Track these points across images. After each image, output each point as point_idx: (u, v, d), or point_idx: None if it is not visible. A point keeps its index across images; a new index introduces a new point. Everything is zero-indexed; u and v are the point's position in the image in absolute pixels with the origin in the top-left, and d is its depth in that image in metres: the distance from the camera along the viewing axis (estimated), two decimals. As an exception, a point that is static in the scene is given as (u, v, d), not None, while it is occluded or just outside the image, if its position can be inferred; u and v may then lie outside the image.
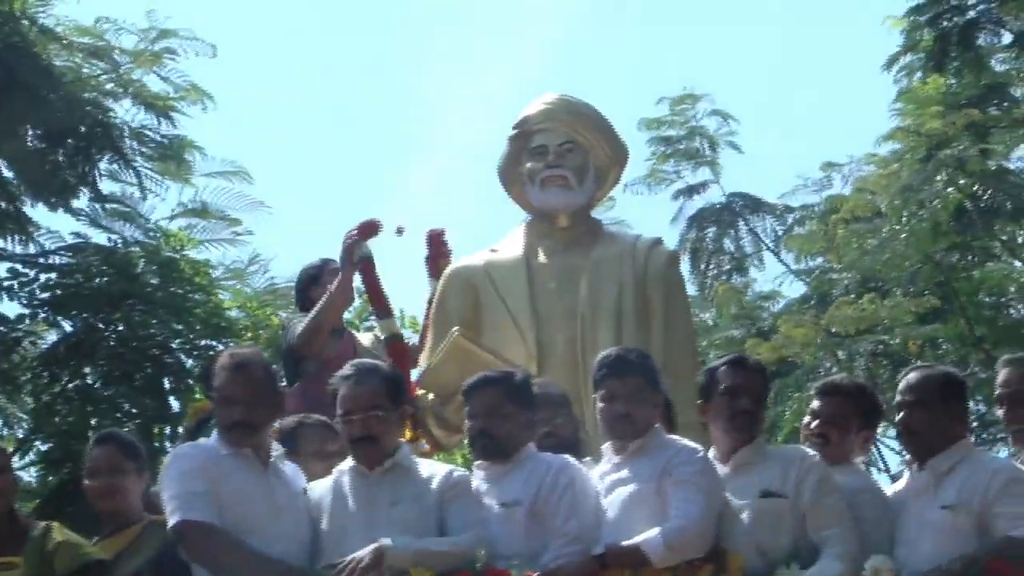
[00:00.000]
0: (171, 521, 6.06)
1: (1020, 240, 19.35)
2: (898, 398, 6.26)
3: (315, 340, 8.45)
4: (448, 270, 8.51)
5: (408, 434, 7.45)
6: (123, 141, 16.48)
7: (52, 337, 16.43)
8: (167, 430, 15.37)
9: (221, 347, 15.54)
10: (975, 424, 17.52)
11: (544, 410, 6.68)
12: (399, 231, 8.60)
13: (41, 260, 16.04)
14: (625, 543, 6.00)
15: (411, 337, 10.54)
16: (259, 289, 19.33)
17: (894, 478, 18.27)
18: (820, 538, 6.01)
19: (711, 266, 24.63)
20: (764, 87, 39.02)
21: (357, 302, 9.00)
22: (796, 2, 41.78)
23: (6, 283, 15.80)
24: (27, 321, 16.13)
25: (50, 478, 15.84)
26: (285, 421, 6.83)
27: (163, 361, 15.72)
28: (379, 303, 8.79)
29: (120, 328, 15.68)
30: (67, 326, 16.04)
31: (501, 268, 8.34)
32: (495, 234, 8.74)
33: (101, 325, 15.71)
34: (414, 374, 8.14)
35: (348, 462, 6.37)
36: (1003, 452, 15.07)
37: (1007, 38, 19.03)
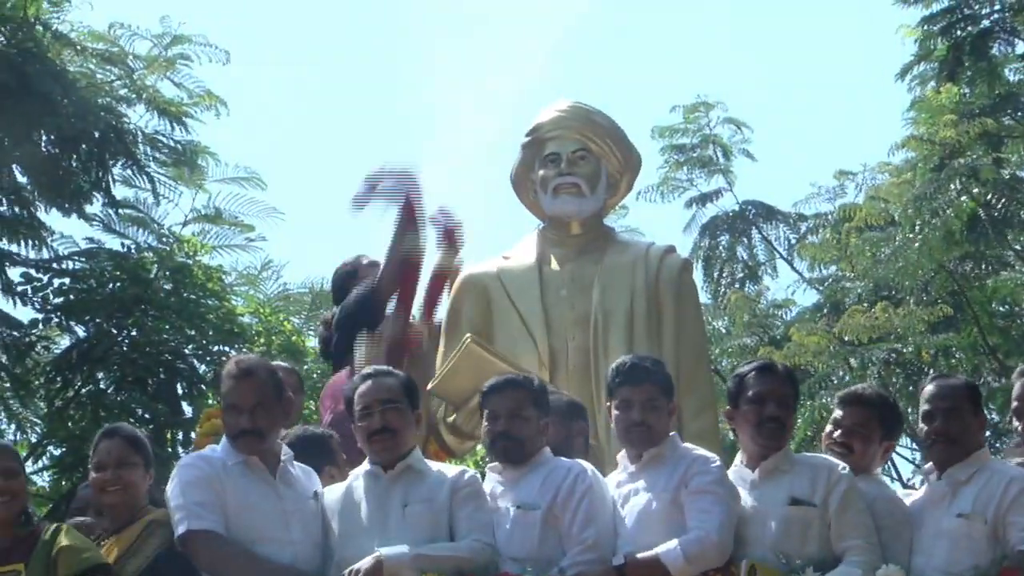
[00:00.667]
0: (178, 531, 6.10)
1: (1033, 249, 19.33)
2: (928, 406, 6.24)
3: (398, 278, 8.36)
4: (460, 277, 8.50)
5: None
6: (137, 147, 16.47)
7: (65, 342, 16.44)
8: (180, 435, 15.37)
9: (233, 353, 15.57)
10: (988, 433, 17.50)
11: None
12: None
13: (54, 265, 16.04)
14: (644, 554, 6.01)
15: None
16: (271, 295, 19.37)
17: (905, 485, 18.28)
18: (842, 548, 6.01)
19: (724, 274, 24.58)
20: (778, 95, 38.98)
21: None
22: (809, 11, 41.76)
23: (19, 288, 15.79)
24: (40, 326, 16.13)
25: (63, 483, 15.85)
26: None
27: (176, 367, 15.72)
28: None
29: (133, 333, 15.68)
30: (80, 331, 16.04)
31: (513, 275, 8.34)
32: (504, 238, 8.73)
33: (114, 330, 15.70)
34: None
35: (362, 467, 6.39)
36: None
37: (1020, 48, 19.05)
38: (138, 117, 16.70)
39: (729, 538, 6.03)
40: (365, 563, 5.94)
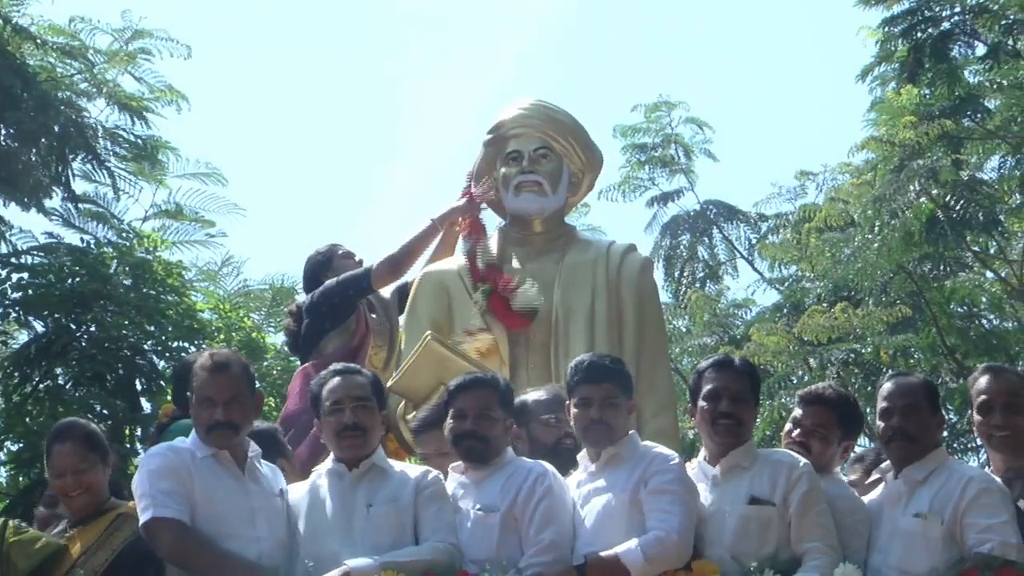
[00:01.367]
0: (142, 519, 6.07)
1: (992, 251, 19.42)
2: (886, 403, 6.23)
3: (406, 264, 8.34)
4: (421, 273, 8.50)
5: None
6: (97, 141, 16.41)
7: (23, 337, 16.37)
8: (138, 431, 15.31)
9: (193, 349, 15.52)
10: (946, 434, 17.57)
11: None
12: None
13: (13, 260, 15.95)
14: (604, 554, 5.98)
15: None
16: (232, 291, 19.31)
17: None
18: (802, 549, 6.00)
19: (685, 273, 24.64)
20: (739, 95, 39.11)
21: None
22: (771, 11, 41.90)
23: (-23, 282, 15.73)
24: (-2, 321, 16.09)
25: (20, 478, 15.77)
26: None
27: (135, 362, 15.64)
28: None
29: (92, 329, 15.59)
30: (38, 326, 15.95)
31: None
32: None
33: (73, 326, 15.62)
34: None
35: (326, 464, 6.37)
36: (973, 461, 15.14)
37: (981, 49, 19.09)
38: (98, 111, 16.67)
39: (689, 538, 6.01)
40: (334, 575, 5.93)
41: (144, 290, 15.98)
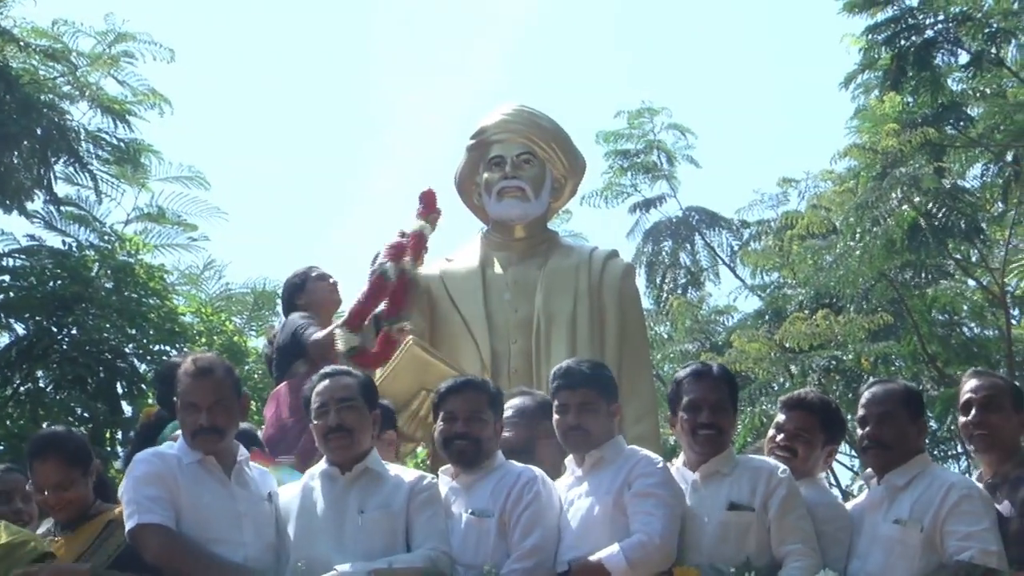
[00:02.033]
0: (128, 525, 6.05)
1: (973, 259, 19.47)
2: (862, 411, 6.24)
3: (330, 353, 8.28)
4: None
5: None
6: (79, 144, 16.39)
7: (4, 340, 16.31)
8: (119, 435, 15.29)
9: (174, 352, 15.50)
10: (927, 441, 17.63)
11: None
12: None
13: (-6, 262, 15.94)
14: (589, 559, 5.96)
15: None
16: (213, 295, 19.32)
17: (845, 493, 18.38)
18: (781, 553, 5.99)
19: (667, 279, 24.70)
20: (722, 102, 39.18)
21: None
22: (755, 18, 41.97)
23: (-41, 285, 15.71)
24: (-21, 323, 16.04)
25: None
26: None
27: (116, 366, 15.63)
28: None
29: (73, 332, 15.59)
30: (20, 329, 15.93)
31: (456, 278, 8.34)
32: (451, 240, 8.72)
33: (54, 328, 15.60)
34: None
35: (319, 466, 6.34)
36: (954, 468, 15.17)
37: (964, 58, 19.14)
38: (81, 114, 16.66)
39: (673, 542, 5.99)
40: None
41: (126, 293, 15.97)
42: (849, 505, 6.48)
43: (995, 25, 18.52)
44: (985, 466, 6.34)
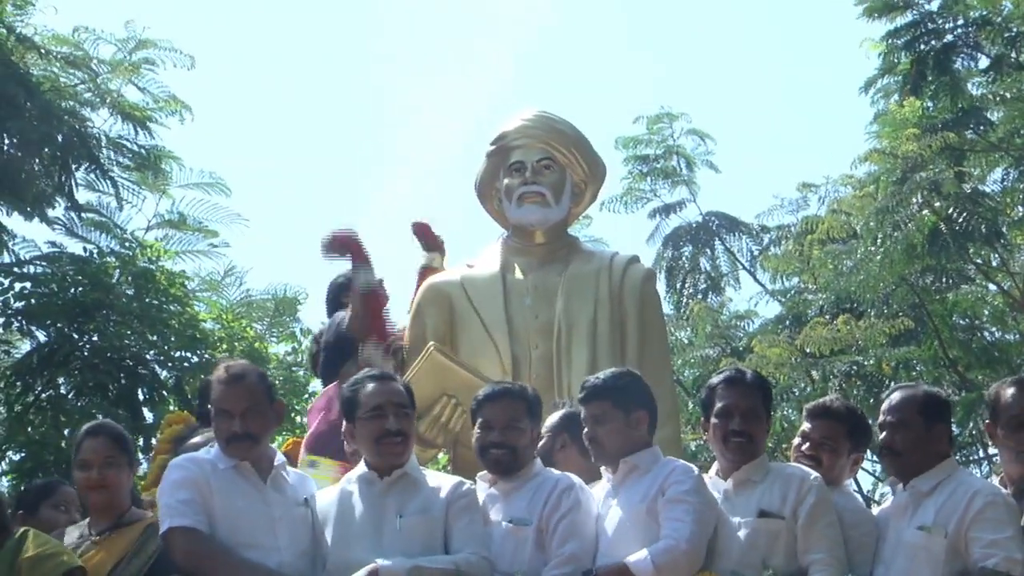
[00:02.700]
0: (161, 529, 6.09)
1: (994, 263, 19.43)
2: (881, 418, 6.22)
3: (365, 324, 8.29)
4: (424, 284, 8.49)
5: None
6: (100, 151, 16.44)
7: (26, 347, 16.37)
8: (141, 441, 15.30)
9: (196, 358, 15.54)
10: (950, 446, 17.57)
11: None
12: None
13: (16, 269, 15.94)
14: (614, 563, 5.97)
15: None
16: (234, 301, 19.35)
17: (867, 498, 18.35)
18: (807, 561, 5.97)
19: (687, 285, 24.64)
20: (741, 107, 39.12)
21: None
22: (774, 23, 41.93)
23: (-20, 292, 15.73)
24: (1, 330, 16.07)
25: (22, 488, 15.75)
26: None
27: (137, 372, 15.65)
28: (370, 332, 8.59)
29: (94, 338, 15.60)
30: (41, 336, 15.96)
31: (477, 283, 8.34)
32: (469, 243, 8.73)
33: (75, 335, 15.62)
34: None
35: (356, 471, 6.35)
36: (977, 473, 15.11)
37: (983, 62, 19.13)
38: (102, 121, 16.72)
39: (700, 547, 5.99)
40: (361, 574, 5.91)
41: (147, 300, 16.00)
42: (875, 511, 6.47)
43: (1015, 29, 18.50)
44: (1015, 472, 6.30)
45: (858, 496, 6.72)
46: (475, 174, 8.67)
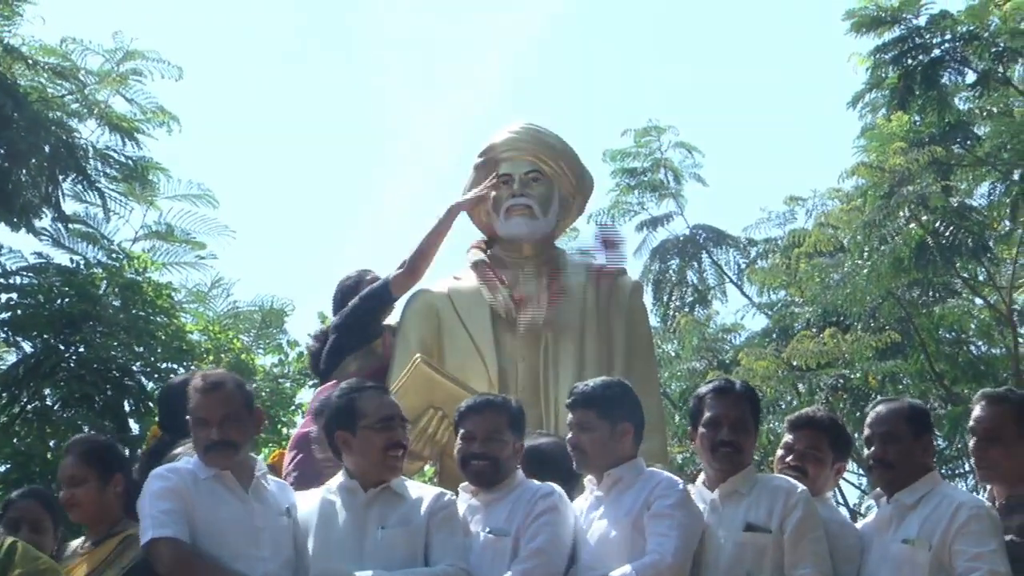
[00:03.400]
0: (142, 541, 6.06)
1: (981, 277, 19.46)
2: (868, 431, 6.22)
3: (421, 266, 8.30)
4: (409, 295, 8.48)
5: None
6: (87, 162, 16.42)
7: (12, 358, 16.31)
8: (127, 453, 15.27)
9: (182, 370, 15.50)
10: (935, 459, 17.58)
11: None
12: None
13: (2, 280, 15.92)
14: None
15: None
16: (221, 312, 19.31)
17: (853, 512, 18.37)
18: (794, 575, 5.98)
19: (674, 297, 24.68)
20: (729, 120, 39.19)
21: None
22: (762, 37, 42.00)
23: (-34, 303, 15.70)
24: (-13, 341, 16.05)
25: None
26: None
27: (123, 384, 15.62)
28: None
29: (81, 350, 15.57)
30: (27, 347, 15.92)
31: (464, 296, 8.33)
32: (458, 258, 8.71)
33: (62, 346, 15.59)
34: None
35: (336, 480, 6.34)
36: (963, 487, 15.14)
37: (971, 77, 19.17)
38: (89, 132, 16.70)
39: (686, 562, 5.98)
40: None
41: (133, 311, 15.97)
42: (859, 524, 6.47)
43: (1002, 44, 18.54)
44: (998, 489, 6.31)
45: (842, 509, 6.72)
46: (463, 186, 8.67)
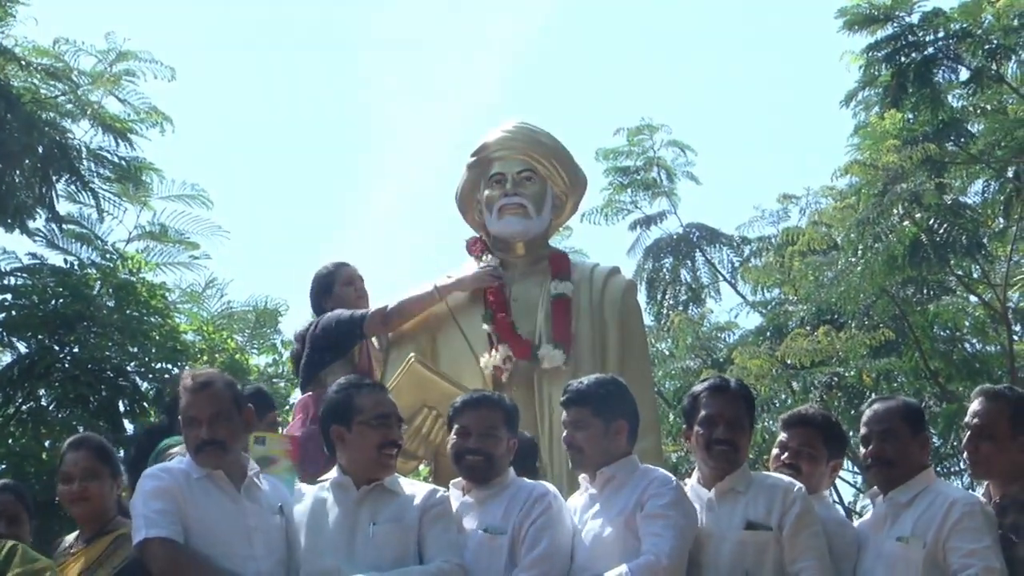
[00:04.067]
0: (135, 540, 6.06)
1: (975, 275, 19.48)
2: (865, 430, 6.23)
3: (396, 324, 8.28)
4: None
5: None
6: (81, 162, 16.39)
7: (6, 358, 16.28)
8: (121, 453, 15.24)
9: (176, 370, 15.48)
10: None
11: None
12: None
13: (-4, 281, 15.92)
14: None
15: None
16: (215, 312, 19.31)
17: (848, 510, 18.38)
18: (794, 571, 5.97)
19: (667, 296, 24.68)
20: (722, 119, 39.21)
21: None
22: (755, 35, 42.01)
23: (-40, 304, 15.68)
24: (-19, 342, 16.03)
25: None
26: None
27: (118, 384, 15.59)
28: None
29: (75, 350, 15.55)
30: (22, 347, 15.90)
31: (458, 295, 8.33)
32: (453, 257, 8.71)
33: (56, 347, 15.56)
34: None
35: (330, 475, 6.34)
36: (958, 485, 15.15)
37: (964, 74, 19.18)
38: (83, 133, 16.66)
39: (681, 562, 5.97)
40: None
41: (127, 311, 15.94)
42: (855, 523, 6.47)
43: (995, 41, 18.55)
44: (993, 487, 6.31)
45: (837, 507, 6.73)
46: (456, 186, 8.67)
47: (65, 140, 16.21)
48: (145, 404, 15.57)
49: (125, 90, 16.85)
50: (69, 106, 16.55)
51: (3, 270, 16.07)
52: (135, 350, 15.92)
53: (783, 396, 19.04)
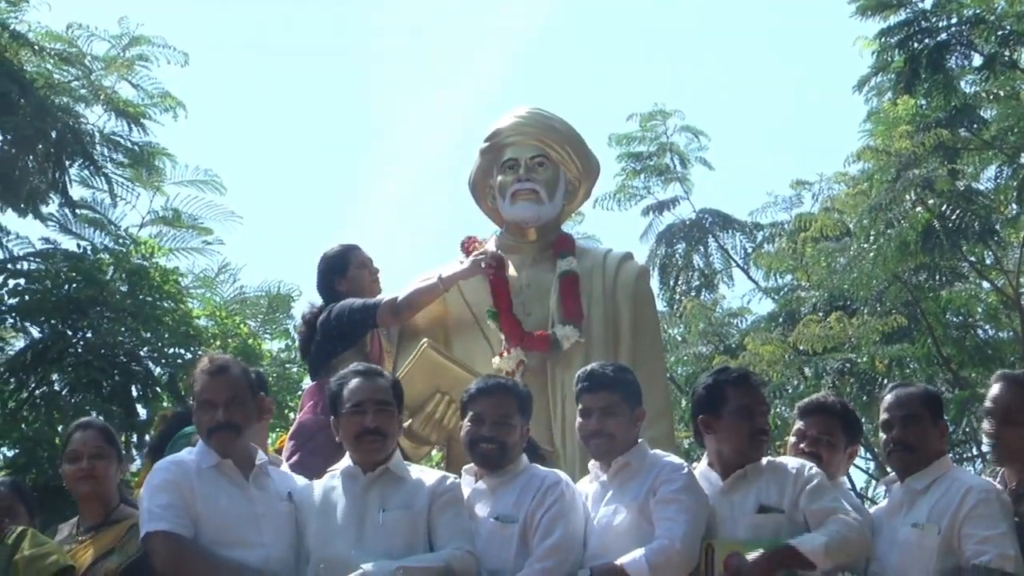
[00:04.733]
0: (141, 533, 6.09)
1: (988, 261, 19.45)
2: (886, 415, 6.25)
3: (406, 315, 8.22)
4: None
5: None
6: (94, 147, 16.40)
7: (20, 343, 16.31)
8: (134, 438, 15.29)
9: (189, 355, 15.52)
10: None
11: None
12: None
13: (9, 266, 15.92)
14: (608, 564, 5.96)
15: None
16: (228, 298, 19.32)
17: (861, 496, 18.37)
18: (822, 522, 5.97)
19: (680, 282, 24.66)
20: (735, 104, 39.16)
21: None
22: (768, 21, 41.95)
23: (-26, 289, 15.70)
24: (-6, 327, 16.06)
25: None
26: None
27: (131, 369, 15.61)
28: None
29: (88, 335, 15.57)
30: (35, 332, 15.92)
31: (471, 280, 8.32)
32: (454, 246, 8.67)
33: (69, 332, 15.59)
34: None
35: (341, 464, 6.35)
36: (970, 470, 15.15)
37: (977, 60, 19.14)
38: (96, 118, 16.66)
39: (695, 546, 5.99)
40: None
41: (140, 296, 15.96)
42: (872, 510, 6.48)
43: (1008, 27, 18.52)
44: (1010, 474, 6.31)
45: (851, 492, 6.74)
46: (468, 171, 8.67)
47: (78, 125, 16.22)
48: (158, 389, 15.60)
49: (138, 75, 16.86)
50: (82, 91, 16.55)
51: (16, 255, 16.10)
52: (148, 335, 15.93)
53: (795, 382, 19.03)
